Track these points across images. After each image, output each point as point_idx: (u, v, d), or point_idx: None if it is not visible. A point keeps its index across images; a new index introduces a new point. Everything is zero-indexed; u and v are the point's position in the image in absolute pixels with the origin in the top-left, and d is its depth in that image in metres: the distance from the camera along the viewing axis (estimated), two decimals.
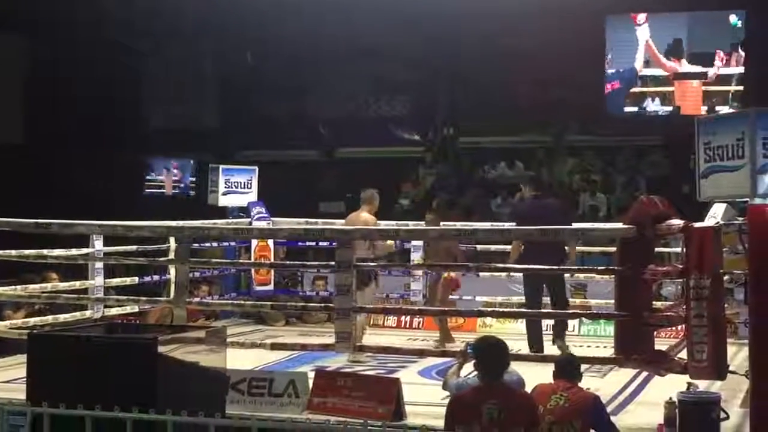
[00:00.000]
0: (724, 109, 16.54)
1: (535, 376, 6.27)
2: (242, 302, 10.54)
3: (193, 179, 19.91)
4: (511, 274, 10.12)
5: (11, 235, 8.69)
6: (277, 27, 18.83)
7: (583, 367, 6.33)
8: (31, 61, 19.74)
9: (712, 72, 17.44)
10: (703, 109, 16.99)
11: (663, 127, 17.89)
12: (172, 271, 9.87)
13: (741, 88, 17.22)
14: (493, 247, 11.60)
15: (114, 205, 16.33)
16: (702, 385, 6.60)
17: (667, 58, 17.70)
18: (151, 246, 10.78)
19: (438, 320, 10.30)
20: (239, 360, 7.43)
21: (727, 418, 6.22)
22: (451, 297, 10.53)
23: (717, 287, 6.31)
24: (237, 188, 12.32)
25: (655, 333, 7.02)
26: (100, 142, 18.51)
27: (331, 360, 8.73)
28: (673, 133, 17.24)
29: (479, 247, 11.62)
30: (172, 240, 10.22)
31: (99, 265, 10.01)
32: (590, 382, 7.30)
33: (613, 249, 8.41)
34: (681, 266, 6.58)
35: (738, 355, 7.60)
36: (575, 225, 9.69)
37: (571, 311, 8.74)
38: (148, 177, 20.22)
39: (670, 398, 6.33)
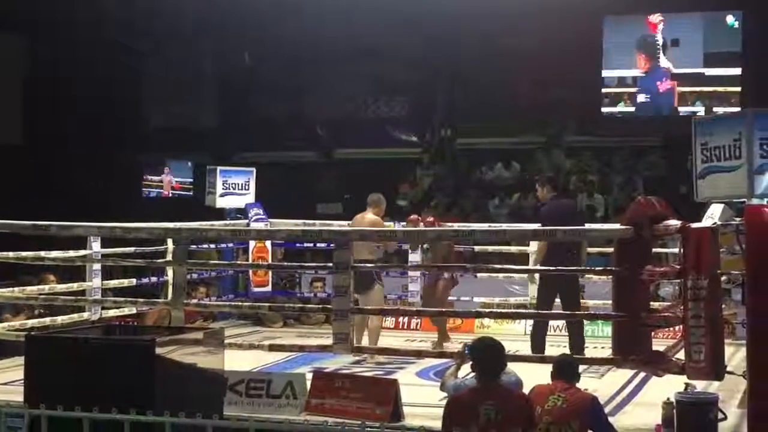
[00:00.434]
0: (721, 110, 16.58)
1: (533, 376, 6.27)
2: (240, 303, 10.53)
3: (191, 180, 19.89)
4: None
5: (9, 236, 8.69)
6: (275, 28, 18.85)
7: (581, 367, 6.33)
8: (31, 61, 19.76)
9: (710, 72, 17.46)
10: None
11: (660, 127, 17.92)
12: (170, 272, 9.86)
13: (738, 88, 17.25)
14: (490, 248, 11.60)
15: (112, 206, 16.33)
16: (700, 385, 6.61)
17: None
18: (149, 248, 10.78)
19: (437, 321, 10.29)
20: (237, 361, 7.43)
21: (725, 418, 6.22)
22: (449, 298, 10.54)
23: (714, 288, 6.31)
24: (235, 189, 12.32)
25: (652, 333, 7.03)
26: (99, 143, 18.52)
27: (329, 361, 8.73)
28: (670, 133, 17.28)
29: (476, 248, 11.62)
30: (169, 241, 10.21)
31: (97, 266, 10.00)
32: (588, 382, 7.31)
33: (610, 249, 8.41)
34: (678, 267, 6.58)
35: (735, 356, 7.60)
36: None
37: (568, 312, 8.72)
38: (146, 178, 20.21)
39: (668, 399, 6.33)
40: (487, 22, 17.13)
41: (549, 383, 5.90)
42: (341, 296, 7.50)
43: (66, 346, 5.76)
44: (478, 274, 10.88)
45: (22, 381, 5.78)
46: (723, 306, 6.65)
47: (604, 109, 17.94)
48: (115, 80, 19.21)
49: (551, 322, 9.51)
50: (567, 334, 9.23)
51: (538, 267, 9.20)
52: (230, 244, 12.23)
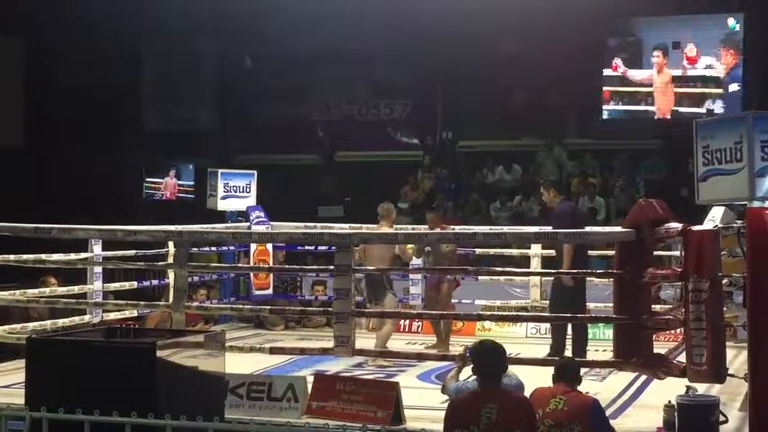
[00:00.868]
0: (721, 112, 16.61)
1: (535, 379, 6.27)
2: (241, 306, 10.53)
3: (193, 183, 19.89)
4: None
5: (10, 239, 8.68)
6: (276, 31, 18.86)
7: (583, 370, 6.33)
8: (31, 63, 19.75)
9: (710, 74, 17.47)
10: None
11: (661, 130, 17.92)
12: (171, 275, 9.86)
13: (740, 89, 17.26)
14: (492, 251, 11.60)
15: (113, 209, 16.33)
16: (701, 388, 6.60)
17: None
18: (150, 250, 10.78)
19: (437, 323, 10.27)
20: (238, 364, 7.43)
21: (726, 421, 6.22)
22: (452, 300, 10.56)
23: (716, 290, 6.31)
24: (236, 192, 12.32)
25: (653, 336, 7.02)
26: (100, 146, 18.52)
27: (330, 364, 8.73)
28: (671, 136, 17.28)
29: (478, 251, 11.62)
30: (171, 244, 10.21)
31: (98, 269, 10.00)
32: (589, 385, 7.30)
33: (611, 252, 8.41)
34: (680, 269, 6.58)
35: (737, 359, 7.61)
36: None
37: (569, 315, 8.72)
38: (147, 181, 20.22)
39: (669, 401, 6.33)
40: (486, 26, 17.13)
41: (550, 386, 5.90)
42: (342, 299, 7.50)
43: (67, 348, 5.76)
44: (480, 277, 10.88)
45: (23, 384, 5.78)
46: (724, 309, 6.64)
47: (605, 107, 17.93)
48: (116, 83, 19.23)
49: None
50: (570, 335, 9.21)
51: (562, 270, 8.90)
52: (231, 247, 12.23)
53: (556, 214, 9.15)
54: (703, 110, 17.23)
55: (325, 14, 17.86)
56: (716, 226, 6.55)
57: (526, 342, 9.75)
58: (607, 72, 18.01)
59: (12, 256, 9.29)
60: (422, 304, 11.03)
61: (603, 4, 17.12)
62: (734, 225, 6.65)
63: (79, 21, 17.79)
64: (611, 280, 7.43)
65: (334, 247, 8.09)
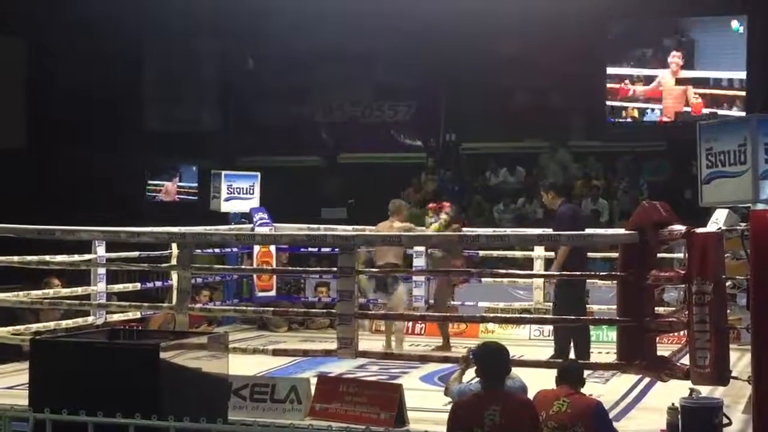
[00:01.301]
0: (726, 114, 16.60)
1: (538, 382, 6.27)
2: (244, 308, 10.54)
3: (196, 185, 19.92)
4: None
5: (13, 240, 8.69)
6: (279, 32, 18.86)
7: (586, 373, 6.33)
8: (31, 64, 19.77)
9: (715, 76, 17.46)
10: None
11: (665, 132, 17.91)
12: (175, 277, 9.87)
13: (743, 93, 17.25)
14: (495, 253, 11.60)
15: (117, 210, 16.35)
16: (704, 390, 6.60)
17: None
18: (154, 252, 10.79)
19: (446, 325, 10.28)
20: (241, 366, 7.44)
21: (730, 423, 6.21)
22: (453, 303, 10.56)
23: (719, 293, 6.31)
24: (239, 194, 12.32)
25: (657, 339, 7.02)
26: (103, 147, 18.54)
27: (333, 366, 8.73)
28: (675, 138, 17.26)
29: (481, 253, 11.62)
30: (174, 246, 10.21)
31: (101, 270, 10.01)
32: (593, 388, 7.29)
33: (615, 254, 8.40)
34: (683, 272, 6.58)
35: (740, 361, 7.60)
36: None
37: (573, 317, 8.71)
38: (150, 182, 20.25)
39: (673, 404, 6.33)
40: (490, 25, 17.13)
41: (553, 388, 5.90)
42: (346, 301, 7.50)
43: (71, 350, 5.77)
44: (483, 279, 10.87)
45: (27, 385, 5.79)
46: (728, 311, 6.63)
47: (609, 102, 17.93)
48: (118, 85, 19.25)
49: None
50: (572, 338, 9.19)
51: (555, 272, 8.97)
52: (235, 249, 12.23)
53: (556, 217, 9.15)
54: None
55: (325, 14, 17.88)
56: (720, 228, 6.55)
57: (529, 344, 9.74)
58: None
59: (16, 258, 9.30)
60: (425, 306, 11.04)
61: (605, 4, 17.13)
62: (738, 227, 6.64)
63: (80, 21, 17.82)
64: (615, 282, 7.43)
65: (337, 249, 8.08)
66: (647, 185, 17.75)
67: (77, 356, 5.62)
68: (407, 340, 10.76)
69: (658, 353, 6.90)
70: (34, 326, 9.33)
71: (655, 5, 17.59)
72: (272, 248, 11.82)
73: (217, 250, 12.32)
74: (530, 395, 5.92)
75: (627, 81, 18.11)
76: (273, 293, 11.98)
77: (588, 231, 9.35)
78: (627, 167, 18.41)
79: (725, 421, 6.15)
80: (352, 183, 19.15)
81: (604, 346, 9.67)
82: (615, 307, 7.24)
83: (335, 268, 7.80)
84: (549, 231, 9.20)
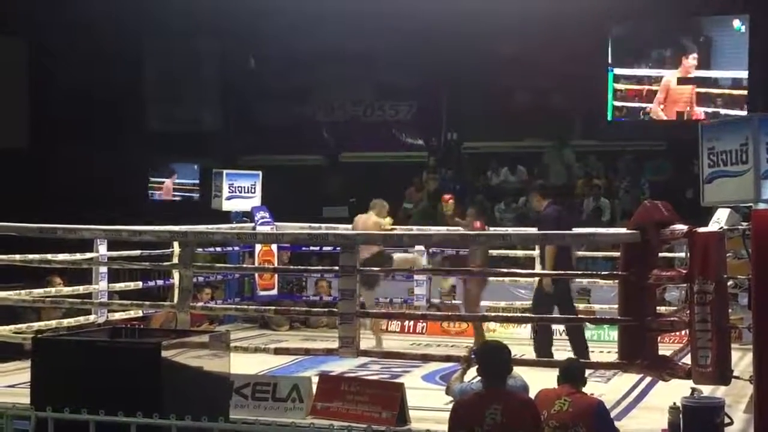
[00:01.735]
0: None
1: (539, 381, 6.27)
2: (246, 307, 10.55)
3: (197, 183, 19.92)
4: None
5: (15, 239, 8.70)
6: (280, 31, 18.86)
7: (587, 372, 6.33)
8: (32, 64, 19.78)
9: (717, 76, 17.46)
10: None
11: (666, 132, 17.90)
12: (176, 275, 9.87)
13: (745, 92, 17.25)
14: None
15: (119, 209, 16.36)
16: (706, 390, 6.60)
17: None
18: (156, 251, 10.79)
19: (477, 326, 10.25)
20: (243, 364, 7.44)
21: (731, 423, 6.22)
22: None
23: (721, 292, 6.31)
24: (241, 193, 12.33)
25: (658, 338, 7.02)
26: (104, 146, 18.54)
27: (335, 364, 8.73)
28: (676, 138, 17.26)
29: None
30: (176, 244, 10.22)
31: (103, 269, 10.01)
32: (594, 387, 7.28)
33: (616, 254, 8.40)
34: (685, 271, 6.58)
35: (742, 361, 7.59)
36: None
37: (574, 316, 8.72)
38: (151, 181, 20.26)
39: (674, 403, 6.33)
40: (491, 25, 17.13)
41: (555, 387, 5.90)
42: (347, 299, 7.50)
43: (72, 348, 5.77)
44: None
45: (29, 383, 5.79)
46: (729, 311, 6.64)
47: (615, 103, 17.93)
48: (119, 84, 19.26)
49: (555, 326, 9.50)
50: (568, 338, 9.20)
51: (549, 272, 9.00)
52: (236, 248, 12.24)
53: (541, 218, 9.26)
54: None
55: (326, 14, 17.88)
56: (721, 228, 6.55)
57: (530, 343, 9.71)
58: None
59: (18, 256, 9.31)
60: (426, 305, 11.05)
61: (605, 4, 17.13)
62: (739, 227, 6.64)
63: (80, 21, 17.82)
64: (616, 281, 7.43)
65: (338, 248, 8.08)
66: (649, 185, 17.73)
67: (79, 355, 5.62)
68: (408, 339, 10.78)
69: (660, 353, 6.91)
70: (36, 325, 9.33)
71: (657, 5, 17.59)
72: (274, 247, 11.83)
73: (218, 249, 12.32)
74: (531, 394, 5.92)
75: (628, 81, 18.10)
76: (274, 292, 12.00)
77: (589, 230, 9.37)
78: (628, 167, 18.40)
79: (727, 420, 6.16)
80: (354, 182, 19.12)
81: (605, 345, 9.67)
82: (616, 306, 7.24)
83: (337, 267, 7.80)
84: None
